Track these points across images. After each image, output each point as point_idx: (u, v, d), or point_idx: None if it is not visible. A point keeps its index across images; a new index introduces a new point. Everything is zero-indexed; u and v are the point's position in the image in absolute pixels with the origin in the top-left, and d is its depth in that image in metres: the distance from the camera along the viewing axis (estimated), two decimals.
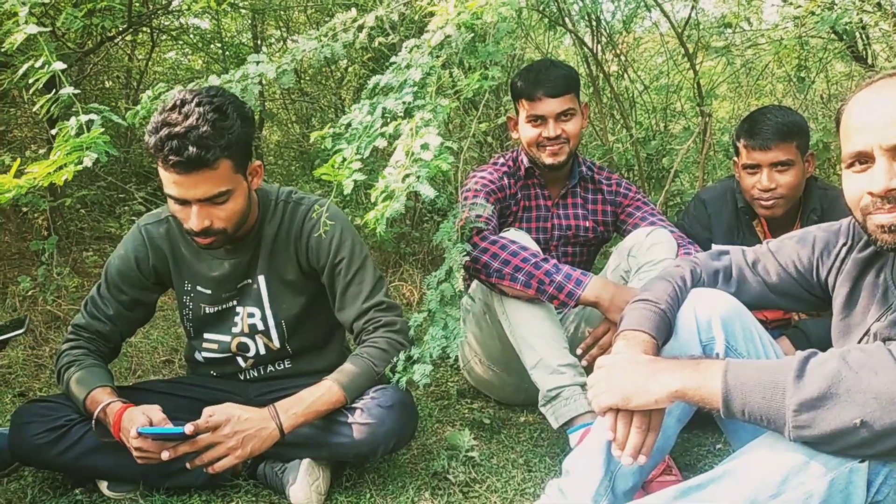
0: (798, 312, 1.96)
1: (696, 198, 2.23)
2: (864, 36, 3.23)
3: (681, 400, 1.12)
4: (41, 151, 3.56)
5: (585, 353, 1.76)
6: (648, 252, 1.86)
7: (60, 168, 1.60)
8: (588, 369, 1.70)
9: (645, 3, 2.78)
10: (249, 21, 4.35)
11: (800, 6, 3.18)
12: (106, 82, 4.45)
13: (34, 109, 1.71)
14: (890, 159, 1.11)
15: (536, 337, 1.76)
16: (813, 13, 2.82)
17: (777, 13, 3.65)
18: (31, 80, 1.77)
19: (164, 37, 4.19)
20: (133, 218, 3.80)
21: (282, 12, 4.17)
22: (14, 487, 1.69)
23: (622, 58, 3.20)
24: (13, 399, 2.24)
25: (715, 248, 1.58)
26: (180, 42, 4.32)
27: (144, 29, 3.80)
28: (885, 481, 1.02)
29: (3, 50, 1.95)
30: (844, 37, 3.11)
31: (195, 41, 4.27)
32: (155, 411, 1.51)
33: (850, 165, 1.17)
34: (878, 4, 2.77)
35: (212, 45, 4.30)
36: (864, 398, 0.97)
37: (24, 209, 3.20)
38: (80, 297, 2.96)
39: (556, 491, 1.40)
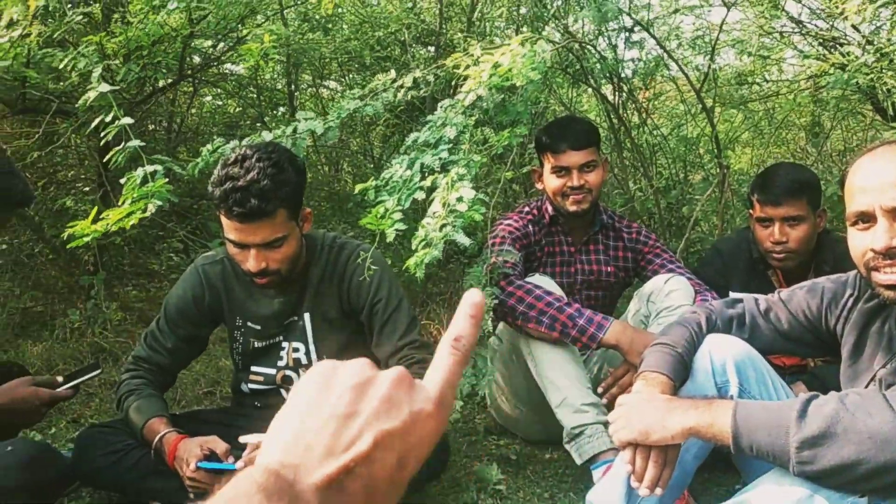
0: (810, 358, 2.05)
1: (713, 247, 2.34)
2: (884, 90, 3.33)
3: (695, 436, 1.23)
4: (86, 189, 3.77)
5: (605, 391, 1.87)
6: (667, 298, 1.97)
7: (129, 214, 1.78)
8: (609, 408, 1.80)
9: (664, 62, 2.93)
10: (284, 67, 4.57)
11: (820, 59, 3.31)
12: (149, 126, 4.69)
13: (111, 162, 1.88)
14: (890, 220, 1.23)
15: (561, 377, 1.87)
16: (827, 73, 2.95)
17: (793, 70, 3.78)
18: (101, 134, 1.95)
19: (204, 83, 4.43)
20: (172, 255, 3.99)
21: (316, 62, 4.40)
22: None
23: (642, 112, 3.35)
24: (67, 425, 2.39)
25: (732, 295, 1.69)
26: (217, 88, 4.56)
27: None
28: None
29: (75, 105, 2.14)
30: (866, 89, 3.21)
31: (232, 86, 4.50)
32: (216, 443, 1.63)
33: (854, 224, 1.30)
34: (892, 61, 2.88)
35: (246, 90, 4.53)
36: (860, 437, 1.07)
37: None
38: (123, 329, 3.13)
39: None
